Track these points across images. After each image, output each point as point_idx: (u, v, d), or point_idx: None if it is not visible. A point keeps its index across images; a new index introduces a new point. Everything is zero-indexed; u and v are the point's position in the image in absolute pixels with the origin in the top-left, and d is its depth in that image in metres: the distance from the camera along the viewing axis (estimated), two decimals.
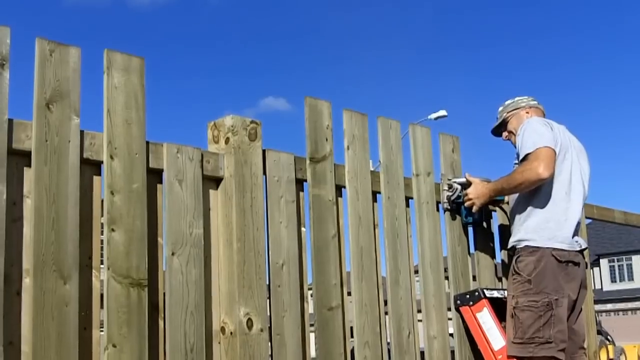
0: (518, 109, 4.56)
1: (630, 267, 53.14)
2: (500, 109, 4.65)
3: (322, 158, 3.71)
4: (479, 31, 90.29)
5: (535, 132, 4.12)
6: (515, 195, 4.33)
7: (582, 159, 4.35)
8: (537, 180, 4.02)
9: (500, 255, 4.81)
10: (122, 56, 3.01)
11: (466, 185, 4.44)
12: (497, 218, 4.79)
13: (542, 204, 4.15)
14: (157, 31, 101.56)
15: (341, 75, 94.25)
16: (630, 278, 52.94)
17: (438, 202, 4.43)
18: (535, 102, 4.58)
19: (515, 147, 4.48)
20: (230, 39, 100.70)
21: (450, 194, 4.45)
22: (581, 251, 4.23)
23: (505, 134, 4.61)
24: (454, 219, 4.48)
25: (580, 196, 4.25)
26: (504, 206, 4.75)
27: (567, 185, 4.19)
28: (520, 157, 4.14)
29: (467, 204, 4.42)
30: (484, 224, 4.66)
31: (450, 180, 4.48)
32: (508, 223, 4.75)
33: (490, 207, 4.70)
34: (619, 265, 53.75)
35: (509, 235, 4.66)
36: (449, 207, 4.47)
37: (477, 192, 4.37)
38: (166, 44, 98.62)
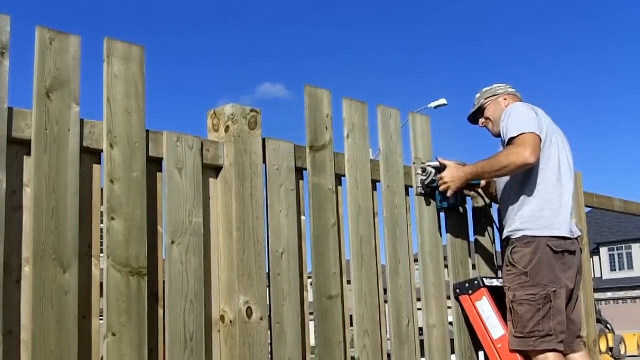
0: (496, 95, 4.50)
1: (630, 255, 53.19)
2: (478, 95, 4.59)
3: (322, 147, 3.71)
4: (480, 23, 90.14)
5: (520, 117, 4.08)
6: (503, 185, 4.30)
7: (565, 143, 4.32)
8: (523, 165, 3.97)
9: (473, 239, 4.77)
10: (123, 45, 3.01)
11: (441, 169, 4.31)
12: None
13: (535, 192, 4.12)
14: (152, 17, 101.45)
15: (340, 63, 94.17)
16: (630, 267, 53.00)
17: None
18: (514, 90, 4.53)
19: (492, 134, 4.47)
20: (226, 25, 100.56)
21: (424, 177, 4.31)
22: (577, 238, 4.22)
23: (482, 120, 4.55)
24: (428, 204, 4.36)
25: (570, 181, 4.23)
26: (480, 191, 4.70)
27: (557, 170, 4.16)
28: (505, 142, 4.10)
29: (442, 188, 4.28)
30: (460, 209, 4.57)
31: (424, 163, 4.35)
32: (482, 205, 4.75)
33: (466, 192, 4.61)
34: (618, 254, 53.80)
35: (486, 220, 4.66)
36: (422, 192, 4.33)
37: (452, 176, 4.25)
38: (161, 31, 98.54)
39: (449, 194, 4.29)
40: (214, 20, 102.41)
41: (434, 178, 4.30)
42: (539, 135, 4.01)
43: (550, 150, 4.13)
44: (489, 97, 4.51)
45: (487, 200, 4.71)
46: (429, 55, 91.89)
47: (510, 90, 4.52)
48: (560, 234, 4.06)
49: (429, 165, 4.32)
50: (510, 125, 4.07)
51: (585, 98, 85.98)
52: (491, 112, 4.47)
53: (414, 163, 4.32)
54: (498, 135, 4.40)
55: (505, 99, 4.46)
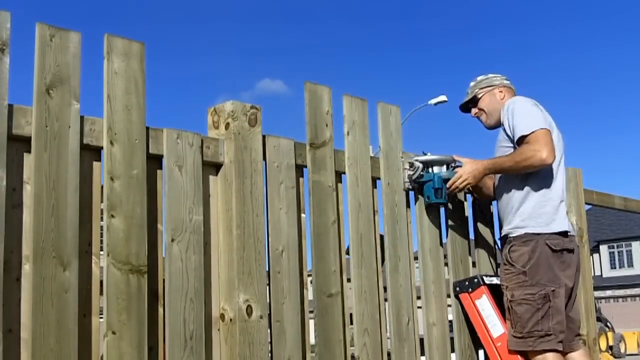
0: (491, 86, 4.45)
1: (629, 253, 53.13)
2: (472, 84, 4.53)
3: (322, 144, 3.71)
4: (481, 20, 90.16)
5: (527, 112, 4.07)
6: (501, 182, 4.29)
7: (560, 139, 4.30)
8: (541, 165, 3.96)
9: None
10: (123, 41, 3.00)
11: (428, 163, 4.19)
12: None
13: (535, 189, 4.10)
14: (150, 12, 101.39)
15: (340, 59, 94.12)
16: (630, 264, 52.95)
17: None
18: (509, 82, 4.49)
19: (485, 125, 4.44)
20: (225, 20, 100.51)
21: (412, 172, 4.20)
22: (573, 235, 4.21)
23: (475, 110, 4.50)
24: (416, 199, 4.28)
25: (564, 177, 4.25)
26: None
27: (557, 167, 4.16)
28: (516, 139, 4.06)
29: (462, 184, 4.15)
30: (449, 205, 4.49)
31: (412, 158, 4.24)
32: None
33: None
34: (618, 252, 53.75)
35: (486, 217, 4.67)
36: (410, 187, 4.22)
37: (472, 170, 4.14)
38: (159, 26, 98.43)
39: (462, 186, 4.17)
40: (213, 16, 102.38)
41: (422, 173, 4.19)
42: (549, 130, 3.99)
43: None
44: (484, 87, 4.47)
45: (475, 195, 4.67)
46: (429, 51, 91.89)
47: (506, 82, 4.48)
48: (561, 229, 4.06)
49: (417, 160, 4.22)
50: (518, 122, 4.04)
51: (586, 96, 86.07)
52: (486, 104, 4.44)
53: (401, 157, 4.23)
54: (491, 128, 4.41)
55: (500, 91, 4.43)
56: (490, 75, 4.51)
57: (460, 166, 4.24)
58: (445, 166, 4.23)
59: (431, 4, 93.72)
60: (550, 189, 4.10)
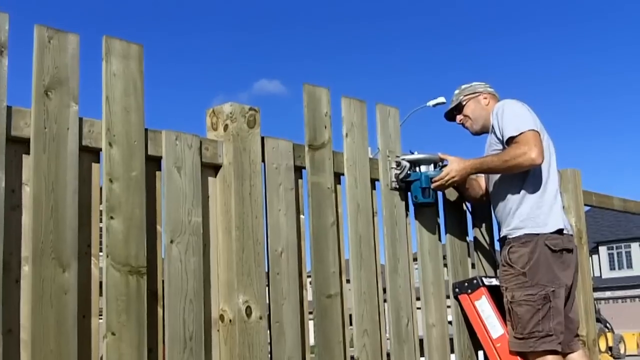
0: (476, 93, 4.47)
1: (629, 254, 53.15)
2: (457, 92, 4.55)
3: (320, 145, 3.71)
4: (479, 21, 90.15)
5: (517, 114, 4.09)
6: (496, 185, 4.29)
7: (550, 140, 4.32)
8: (530, 166, 3.99)
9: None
10: (121, 43, 3.00)
11: (415, 162, 4.15)
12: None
13: (531, 191, 4.11)
14: (147, 14, 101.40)
15: (337, 61, 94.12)
16: (629, 265, 52.97)
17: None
18: (492, 90, 4.52)
19: (471, 132, 4.46)
20: (221, 22, 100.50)
21: (399, 172, 4.14)
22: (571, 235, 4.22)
23: (460, 117, 4.51)
24: (402, 199, 4.19)
25: (557, 177, 4.26)
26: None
27: (548, 168, 4.18)
28: (505, 140, 4.07)
29: (448, 182, 4.12)
30: (438, 205, 4.42)
31: (398, 157, 4.19)
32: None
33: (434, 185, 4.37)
34: (617, 253, 53.76)
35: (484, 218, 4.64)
36: (397, 186, 4.16)
37: (459, 168, 4.09)
38: (155, 27, 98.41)
39: (447, 184, 4.14)
40: (209, 17, 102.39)
41: (409, 172, 4.14)
42: (538, 132, 4.01)
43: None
44: (468, 95, 4.49)
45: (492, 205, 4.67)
46: (429, 52, 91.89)
47: (490, 89, 4.51)
48: (558, 227, 4.07)
49: (404, 159, 4.16)
50: (506, 124, 4.06)
51: (586, 97, 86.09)
52: (471, 110, 4.46)
53: (388, 157, 4.17)
54: (476, 134, 4.44)
55: (485, 98, 4.45)
56: (474, 83, 4.54)
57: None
58: (432, 165, 4.19)
59: (431, 4, 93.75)
60: (545, 191, 4.12)
